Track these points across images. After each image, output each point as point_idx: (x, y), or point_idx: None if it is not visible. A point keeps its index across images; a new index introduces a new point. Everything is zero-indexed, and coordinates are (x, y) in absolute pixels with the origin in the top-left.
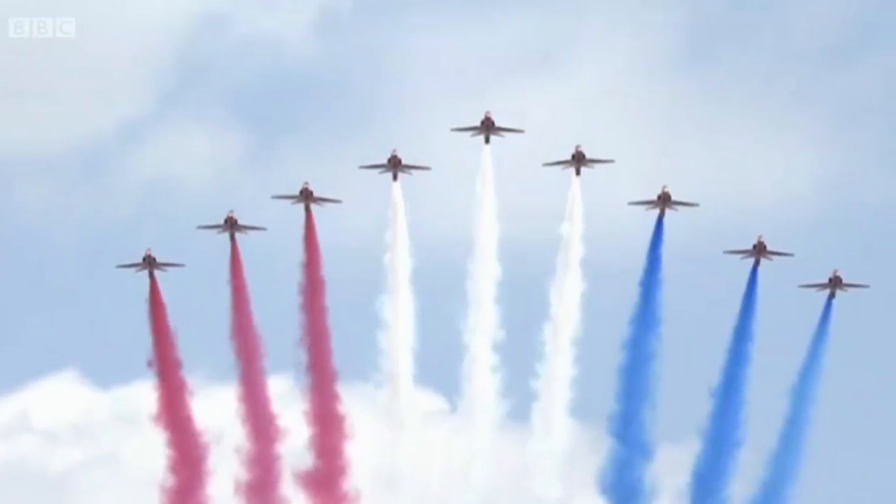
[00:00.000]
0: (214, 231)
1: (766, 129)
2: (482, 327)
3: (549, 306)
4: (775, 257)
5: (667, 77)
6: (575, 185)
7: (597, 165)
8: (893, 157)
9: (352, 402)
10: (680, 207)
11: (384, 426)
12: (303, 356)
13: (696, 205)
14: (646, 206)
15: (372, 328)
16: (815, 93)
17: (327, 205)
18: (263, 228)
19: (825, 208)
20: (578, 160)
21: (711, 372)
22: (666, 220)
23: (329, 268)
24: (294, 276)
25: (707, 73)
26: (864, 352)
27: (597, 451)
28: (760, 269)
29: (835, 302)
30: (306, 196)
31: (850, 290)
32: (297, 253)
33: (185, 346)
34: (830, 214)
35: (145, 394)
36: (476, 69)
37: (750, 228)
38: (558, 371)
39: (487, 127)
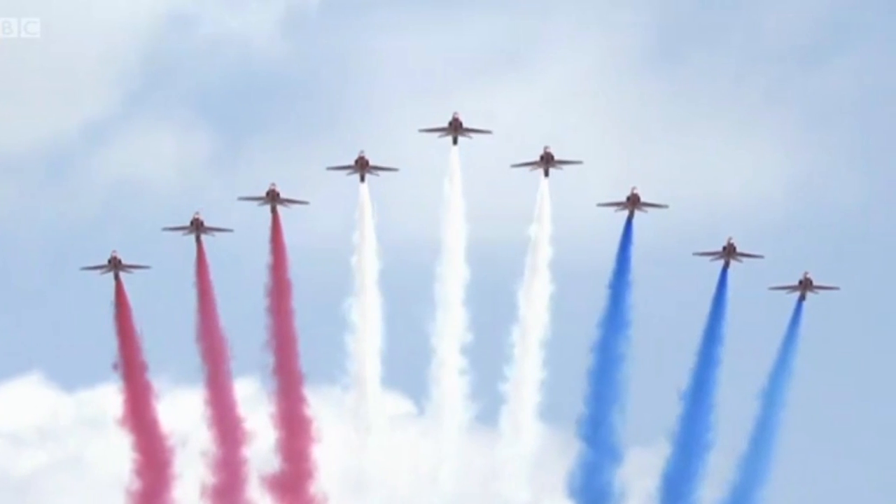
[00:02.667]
0: (180, 233)
1: (735, 130)
2: (450, 330)
3: (518, 308)
4: (745, 259)
5: (635, 78)
6: (543, 186)
7: (565, 167)
8: (864, 159)
9: (319, 405)
10: (649, 209)
11: (351, 429)
12: (269, 359)
13: (666, 206)
14: (615, 208)
15: (339, 330)
16: (784, 94)
17: (294, 206)
18: (230, 230)
19: (795, 210)
20: (547, 161)
21: (681, 375)
22: (635, 221)
23: (296, 270)
24: (260, 278)
25: (676, 74)
26: (835, 354)
27: (566, 454)
28: (730, 270)
29: (805, 304)
30: (273, 197)
31: (821, 292)
32: (264, 255)
33: (150, 348)
34: (800, 216)
35: (110, 397)
36: (444, 70)
37: (719, 230)
38: (527, 374)
39: (455, 128)
